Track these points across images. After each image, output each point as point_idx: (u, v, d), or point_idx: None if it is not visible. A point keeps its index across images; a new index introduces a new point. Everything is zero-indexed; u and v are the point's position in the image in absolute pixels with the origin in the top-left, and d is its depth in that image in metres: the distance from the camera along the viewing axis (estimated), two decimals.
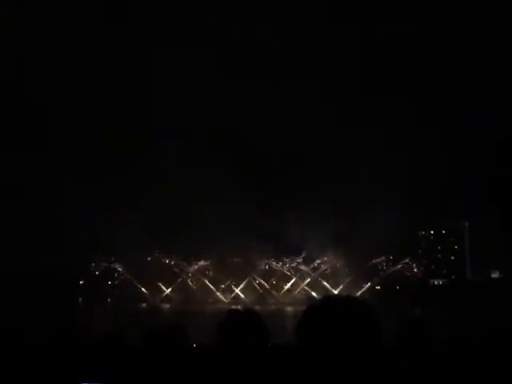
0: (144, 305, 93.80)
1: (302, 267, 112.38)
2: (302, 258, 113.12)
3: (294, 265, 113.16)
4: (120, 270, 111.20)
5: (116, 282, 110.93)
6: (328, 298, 1.70)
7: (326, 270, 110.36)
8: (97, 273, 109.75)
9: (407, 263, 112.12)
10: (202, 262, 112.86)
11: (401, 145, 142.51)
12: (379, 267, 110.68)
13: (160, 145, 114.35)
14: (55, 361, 3.90)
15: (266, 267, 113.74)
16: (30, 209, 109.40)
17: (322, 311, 1.64)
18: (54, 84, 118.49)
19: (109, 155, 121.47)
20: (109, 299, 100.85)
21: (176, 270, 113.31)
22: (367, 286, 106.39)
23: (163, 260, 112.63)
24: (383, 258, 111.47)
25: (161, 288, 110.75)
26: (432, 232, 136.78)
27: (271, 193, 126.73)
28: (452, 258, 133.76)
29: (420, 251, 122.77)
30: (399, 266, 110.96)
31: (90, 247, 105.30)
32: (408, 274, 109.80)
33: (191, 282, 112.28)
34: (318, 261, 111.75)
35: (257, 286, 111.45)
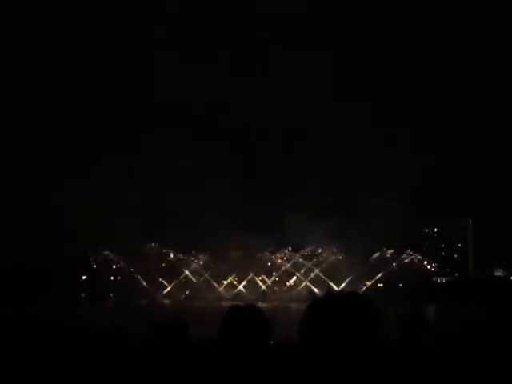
0: (147, 301, 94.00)
1: (305, 263, 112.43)
2: (305, 254, 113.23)
3: (296, 260, 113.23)
4: (121, 265, 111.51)
5: (118, 278, 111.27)
6: (331, 294, 1.68)
7: (328, 266, 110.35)
8: (96, 267, 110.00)
9: (411, 261, 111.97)
10: (202, 256, 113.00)
11: (402, 142, 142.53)
12: (382, 264, 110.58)
13: (152, 133, 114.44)
14: (55, 360, 3.90)
15: (269, 264, 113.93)
16: (27, 203, 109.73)
17: (325, 307, 1.62)
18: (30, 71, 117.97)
19: (99, 146, 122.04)
20: (111, 294, 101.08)
21: (177, 264, 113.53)
22: (370, 283, 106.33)
23: (164, 255, 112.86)
24: (386, 255, 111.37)
25: (162, 283, 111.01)
26: (436, 230, 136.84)
27: (269, 185, 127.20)
28: (455, 255, 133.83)
29: (424, 249, 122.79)
30: (404, 262, 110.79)
31: (88, 241, 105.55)
32: (411, 271, 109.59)
33: (193, 277, 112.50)
34: (321, 256, 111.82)
35: (259, 282, 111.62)
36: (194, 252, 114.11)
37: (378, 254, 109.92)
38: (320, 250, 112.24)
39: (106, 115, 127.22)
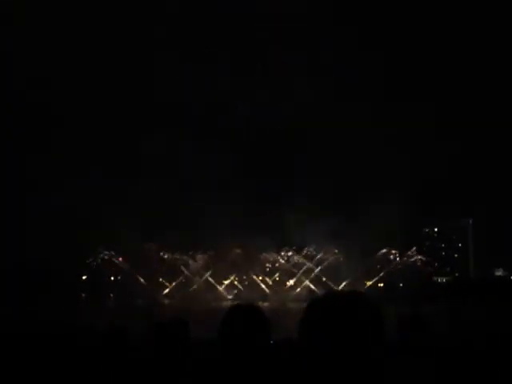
0: (147, 301, 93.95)
1: (305, 263, 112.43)
2: (305, 254, 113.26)
3: (296, 260, 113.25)
4: (121, 265, 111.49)
5: (118, 278, 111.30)
6: (331, 293, 1.68)
7: (328, 266, 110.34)
8: (96, 267, 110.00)
9: (411, 261, 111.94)
10: (202, 256, 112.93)
11: (402, 142, 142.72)
12: (382, 264, 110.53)
13: (152, 133, 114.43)
14: (56, 360, 3.91)
15: (269, 264, 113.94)
16: (27, 203, 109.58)
17: (324, 307, 1.61)
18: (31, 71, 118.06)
19: (99, 146, 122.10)
20: (111, 295, 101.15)
21: (177, 264, 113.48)
22: (370, 283, 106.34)
23: (164, 255, 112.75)
24: (386, 255, 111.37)
25: (163, 283, 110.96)
26: (436, 229, 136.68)
27: (269, 185, 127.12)
28: (456, 255, 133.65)
29: (424, 249, 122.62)
30: (404, 262, 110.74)
31: (88, 241, 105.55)
32: (412, 271, 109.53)
33: (193, 277, 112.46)
34: (321, 256, 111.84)
35: (260, 282, 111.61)
36: (194, 252, 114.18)
37: (378, 254, 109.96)
38: (320, 250, 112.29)
39: (105, 115, 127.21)
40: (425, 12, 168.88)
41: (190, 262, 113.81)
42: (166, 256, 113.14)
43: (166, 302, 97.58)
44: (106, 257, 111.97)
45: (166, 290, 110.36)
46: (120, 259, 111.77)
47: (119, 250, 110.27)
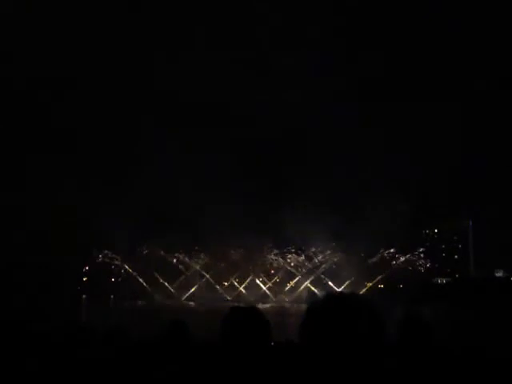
0: (147, 302, 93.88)
1: (306, 264, 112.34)
2: (305, 255, 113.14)
3: (297, 261, 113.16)
4: (121, 265, 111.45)
5: (119, 279, 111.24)
6: (331, 295, 1.68)
7: (328, 266, 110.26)
8: (97, 268, 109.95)
9: (411, 261, 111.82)
10: (202, 257, 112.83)
11: (402, 143, 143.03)
12: (382, 265, 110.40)
13: (152, 134, 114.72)
14: (58, 361, 3.91)
15: (269, 265, 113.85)
16: (27, 204, 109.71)
17: (325, 309, 1.61)
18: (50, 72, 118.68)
19: (99, 146, 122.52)
20: (112, 295, 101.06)
21: (178, 265, 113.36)
22: (370, 284, 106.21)
23: (164, 255, 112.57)
24: (387, 256, 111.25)
25: (163, 284, 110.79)
26: (436, 231, 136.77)
27: (269, 185, 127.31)
28: (456, 256, 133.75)
29: (424, 250, 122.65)
30: (404, 263, 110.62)
31: (88, 241, 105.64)
32: (412, 272, 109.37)
33: (194, 278, 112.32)
34: (321, 257, 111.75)
35: (260, 283, 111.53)
36: (194, 253, 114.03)
37: (378, 254, 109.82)
38: (320, 251, 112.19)
39: (105, 115, 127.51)
40: (424, 12, 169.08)
41: (190, 262, 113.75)
42: (165, 256, 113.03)
43: (167, 302, 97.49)
44: (106, 258, 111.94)
45: (167, 291, 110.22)
46: (120, 260, 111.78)
47: (119, 251, 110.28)
